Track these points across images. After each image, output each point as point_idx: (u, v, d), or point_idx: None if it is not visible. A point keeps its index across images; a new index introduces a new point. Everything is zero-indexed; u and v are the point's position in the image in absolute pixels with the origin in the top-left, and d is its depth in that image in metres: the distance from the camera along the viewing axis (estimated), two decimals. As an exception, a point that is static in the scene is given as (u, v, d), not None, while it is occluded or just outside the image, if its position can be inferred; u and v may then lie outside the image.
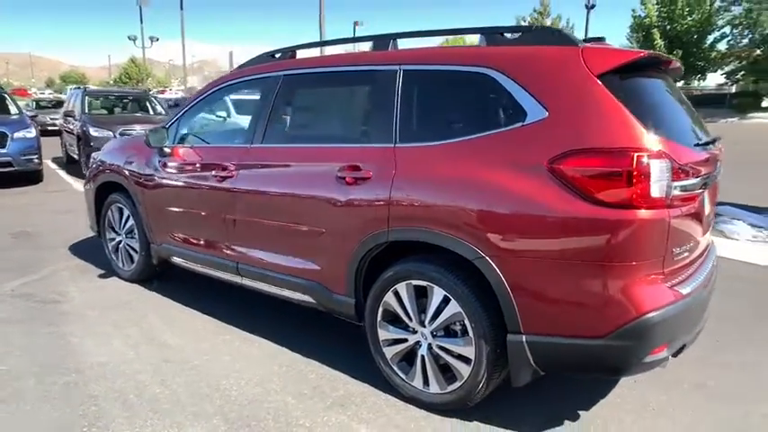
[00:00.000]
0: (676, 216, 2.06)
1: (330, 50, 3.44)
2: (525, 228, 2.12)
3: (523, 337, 2.18)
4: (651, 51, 2.37)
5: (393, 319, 2.62)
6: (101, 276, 4.40)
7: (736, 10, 27.05)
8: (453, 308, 2.36)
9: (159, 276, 4.21)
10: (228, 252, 3.33)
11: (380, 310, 2.63)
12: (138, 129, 9.16)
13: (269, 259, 3.11)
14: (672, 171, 2.00)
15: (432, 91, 2.54)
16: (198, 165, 3.47)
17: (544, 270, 2.10)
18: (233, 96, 4.66)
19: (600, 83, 2.09)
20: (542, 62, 2.23)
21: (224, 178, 3.24)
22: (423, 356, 2.51)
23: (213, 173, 3.31)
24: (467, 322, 2.32)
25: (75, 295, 3.98)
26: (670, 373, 2.66)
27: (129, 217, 4.15)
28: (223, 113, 5.73)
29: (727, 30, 28.21)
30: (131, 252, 4.21)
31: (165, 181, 3.70)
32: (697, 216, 2.30)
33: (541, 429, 2.37)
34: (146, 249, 4.04)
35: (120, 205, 4.20)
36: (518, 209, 2.13)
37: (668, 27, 29.17)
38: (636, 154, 1.95)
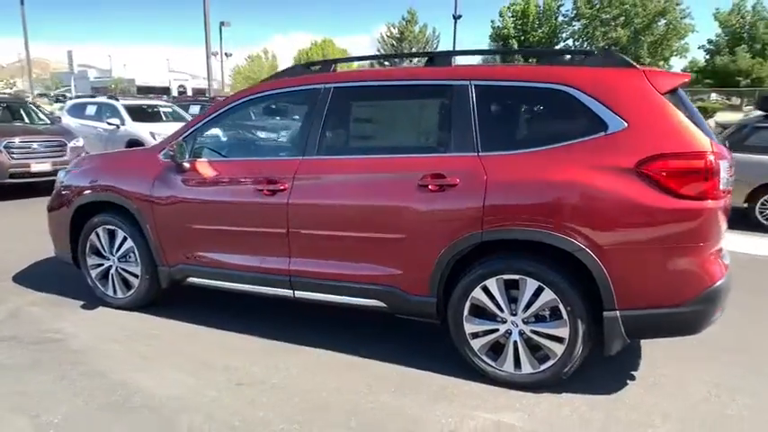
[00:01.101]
0: (725, 204, 2.62)
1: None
2: (619, 220, 2.52)
3: (617, 313, 2.58)
4: (690, 72, 2.93)
5: (479, 312, 2.86)
6: (84, 308, 3.94)
7: (577, 25, 31.44)
8: (547, 296, 2.68)
9: (154, 301, 3.90)
10: (279, 266, 3.27)
11: (467, 305, 2.86)
12: (18, 141, 8.08)
13: (333, 269, 3.14)
14: (729, 167, 2.55)
15: (509, 104, 2.84)
16: (235, 179, 3.34)
17: (636, 254, 2.52)
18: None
19: (665, 99, 2.57)
20: (615, 81, 2.66)
21: (274, 192, 3.18)
22: (515, 342, 2.80)
23: (258, 187, 3.23)
24: (561, 307, 2.67)
25: (73, 331, 3.53)
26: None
27: (124, 240, 3.79)
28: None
29: (570, 42, 32.64)
30: (128, 277, 3.85)
31: (188, 198, 3.47)
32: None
33: (620, 387, 2.81)
34: (151, 272, 3.73)
35: (111, 227, 3.81)
36: (612, 205, 2.52)
37: (522, 38, 32.85)
38: (709, 155, 2.46)
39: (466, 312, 2.87)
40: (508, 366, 2.84)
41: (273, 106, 4.44)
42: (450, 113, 2.89)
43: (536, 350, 2.79)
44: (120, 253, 3.83)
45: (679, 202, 2.46)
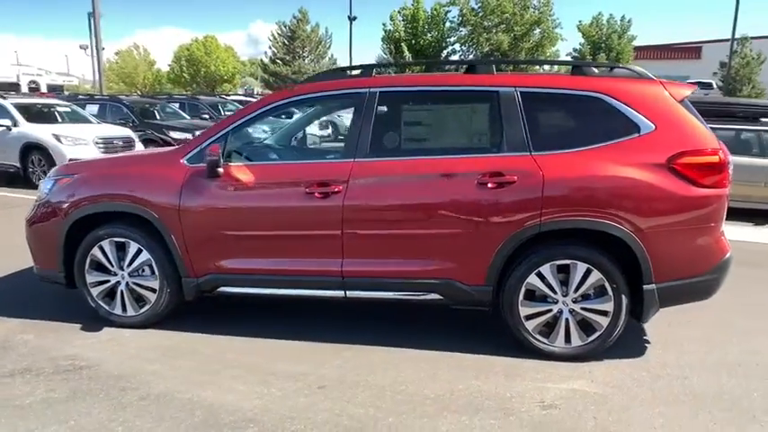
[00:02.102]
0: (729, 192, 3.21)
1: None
2: (656, 207, 2.98)
3: (654, 286, 3.05)
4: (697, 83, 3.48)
5: (532, 296, 3.18)
6: (86, 330, 3.58)
7: (464, 31, 33.47)
8: (595, 276, 3.08)
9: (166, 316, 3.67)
10: (330, 268, 3.29)
11: (522, 290, 3.16)
12: None
13: (389, 267, 3.25)
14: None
15: (553, 109, 3.18)
16: (280, 183, 3.29)
17: (669, 235, 3.00)
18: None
19: (681, 105, 3.09)
20: (641, 90, 3.11)
21: (328, 194, 3.20)
22: (566, 320, 3.16)
23: (308, 190, 3.22)
24: (606, 285, 3.07)
25: (95, 356, 3.22)
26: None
27: (138, 252, 3.51)
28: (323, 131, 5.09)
29: (457, 46, 34.68)
30: (143, 293, 3.57)
31: (226, 204, 3.34)
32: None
33: (644, 350, 3.31)
34: (174, 285, 3.51)
35: (121, 239, 3.51)
36: (650, 194, 2.97)
37: (413, 41, 34.18)
38: (721, 152, 3.01)
39: (521, 297, 3.17)
40: (559, 342, 3.19)
41: (311, 108, 4.34)
42: (500, 117, 3.16)
43: (583, 325, 3.18)
44: (132, 267, 3.54)
45: (700, 190, 2.99)
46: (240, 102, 17.33)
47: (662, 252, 3.02)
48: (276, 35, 39.51)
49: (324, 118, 12.88)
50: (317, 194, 3.22)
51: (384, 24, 35.12)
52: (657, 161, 2.99)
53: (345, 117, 20.62)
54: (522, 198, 3.04)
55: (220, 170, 3.31)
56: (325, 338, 3.45)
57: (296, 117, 5.51)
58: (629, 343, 3.41)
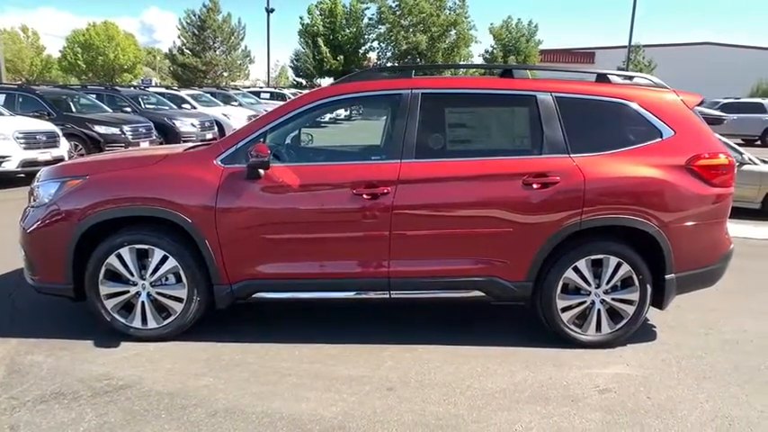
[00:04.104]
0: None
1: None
2: (678, 204, 3.32)
3: (674, 275, 3.39)
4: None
5: (568, 289, 3.40)
6: (101, 346, 3.26)
7: (382, 28, 33.89)
8: (624, 269, 3.36)
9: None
10: (376, 269, 3.29)
11: (560, 284, 3.37)
12: None
13: (435, 267, 3.31)
14: (733, 164, 3.57)
15: (586, 114, 3.40)
16: (326, 184, 3.22)
17: (687, 229, 3.36)
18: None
19: (693, 113, 3.47)
20: (660, 99, 3.44)
21: (376, 195, 3.19)
22: (598, 310, 3.42)
23: (356, 191, 3.18)
24: (634, 276, 3.37)
25: (130, 373, 2.95)
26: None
27: (163, 259, 3.25)
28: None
29: (376, 44, 35.04)
30: (168, 302, 3.31)
31: (268, 206, 3.20)
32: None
33: (656, 334, 3.67)
34: (204, 294, 3.30)
35: (143, 246, 3.23)
36: (674, 192, 3.30)
37: (331, 36, 34.05)
38: (728, 155, 3.41)
39: (558, 291, 3.38)
40: (591, 330, 3.45)
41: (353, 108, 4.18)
42: (539, 120, 3.34)
43: (612, 313, 3.46)
44: (156, 276, 3.27)
45: (712, 189, 3.37)
46: (161, 94, 16.24)
47: (681, 245, 3.37)
48: (185, 24, 37.41)
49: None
50: (365, 196, 3.19)
51: (301, 18, 34.69)
52: (678, 163, 3.33)
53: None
54: (564, 197, 3.24)
55: (262, 171, 3.17)
56: (363, 340, 3.44)
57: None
58: (639, 328, 3.76)
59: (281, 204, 3.23)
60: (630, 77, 3.62)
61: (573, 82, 3.54)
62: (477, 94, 3.46)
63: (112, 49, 44.12)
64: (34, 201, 3.44)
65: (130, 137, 11.28)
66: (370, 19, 34.17)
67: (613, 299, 3.42)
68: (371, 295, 3.37)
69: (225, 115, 16.14)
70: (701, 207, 3.38)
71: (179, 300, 3.31)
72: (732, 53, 41.02)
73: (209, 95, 17.99)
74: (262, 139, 3.27)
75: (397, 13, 32.43)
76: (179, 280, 3.29)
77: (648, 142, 3.37)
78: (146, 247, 3.24)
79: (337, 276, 3.31)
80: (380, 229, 3.23)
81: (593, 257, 3.35)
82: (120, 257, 3.25)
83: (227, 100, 18.67)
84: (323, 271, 3.31)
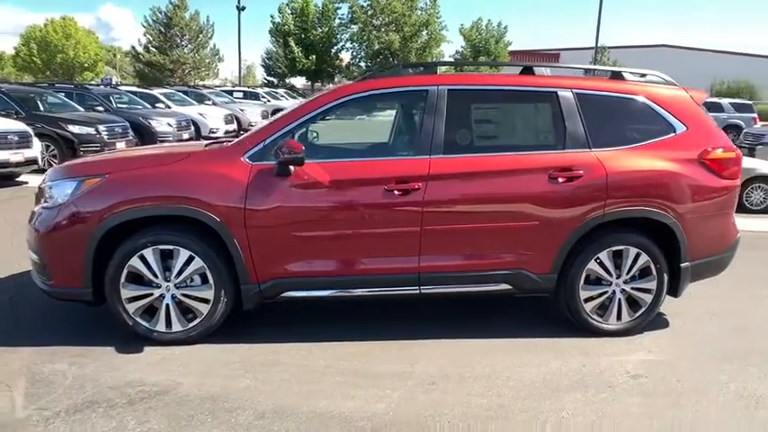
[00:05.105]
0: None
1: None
2: (692, 196, 3.44)
3: (689, 264, 3.52)
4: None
5: (590, 280, 3.49)
6: (123, 351, 3.15)
7: (354, 28, 33.77)
8: (643, 259, 3.47)
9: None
10: (407, 265, 3.29)
11: (583, 275, 3.45)
12: None
13: (464, 261, 3.35)
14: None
15: (605, 109, 3.49)
16: (357, 180, 3.20)
17: (700, 220, 3.49)
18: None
19: (702, 108, 3.61)
20: (672, 95, 3.57)
21: (407, 191, 3.19)
22: (618, 300, 3.52)
23: (387, 187, 3.18)
24: (652, 266, 3.49)
25: (163, 378, 2.86)
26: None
27: (189, 260, 3.16)
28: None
29: (348, 44, 34.88)
30: (194, 304, 3.23)
31: (299, 204, 3.16)
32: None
33: (667, 323, 3.80)
34: (231, 294, 3.23)
35: (168, 247, 3.14)
36: (689, 185, 3.42)
37: (302, 36, 33.70)
38: (736, 149, 3.57)
39: (582, 282, 3.46)
40: (612, 319, 3.54)
41: (379, 104, 4.14)
42: (561, 116, 3.41)
43: (630, 302, 3.57)
44: (181, 277, 3.19)
45: (722, 181, 3.52)
46: (133, 92, 15.73)
47: (695, 234, 3.50)
48: (150, 21, 36.39)
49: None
50: (396, 192, 3.20)
51: (272, 16, 34.23)
52: (691, 157, 3.46)
53: (248, 111, 19.81)
54: (588, 191, 3.32)
55: (291, 168, 3.13)
56: (388, 336, 3.44)
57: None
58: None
59: (311, 201, 3.20)
60: (643, 74, 3.74)
61: (591, 78, 3.63)
62: (500, 90, 3.50)
63: (72, 46, 42.45)
64: (45, 201, 3.29)
65: (106, 137, 10.88)
66: (341, 18, 34.10)
67: (633, 288, 3.52)
68: (401, 291, 3.37)
69: (201, 114, 15.78)
70: (713, 198, 3.52)
71: (205, 301, 3.23)
72: (687, 55, 42.80)
73: (182, 94, 17.56)
74: (290, 136, 3.23)
75: (369, 12, 32.43)
76: (205, 281, 3.22)
77: (663, 137, 3.49)
78: (170, 247, 3.15)
79: (367, 273, 3.30)
80: (411, 224, 3.24)
81: (613, 249, 3.45)
82: (143, 259, 3.15)
83: (200, 99, 18.25)
84: (353, 268, 3.30)
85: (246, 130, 19.13)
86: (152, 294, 3.21)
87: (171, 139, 13.01)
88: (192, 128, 14.32)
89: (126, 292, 3.18)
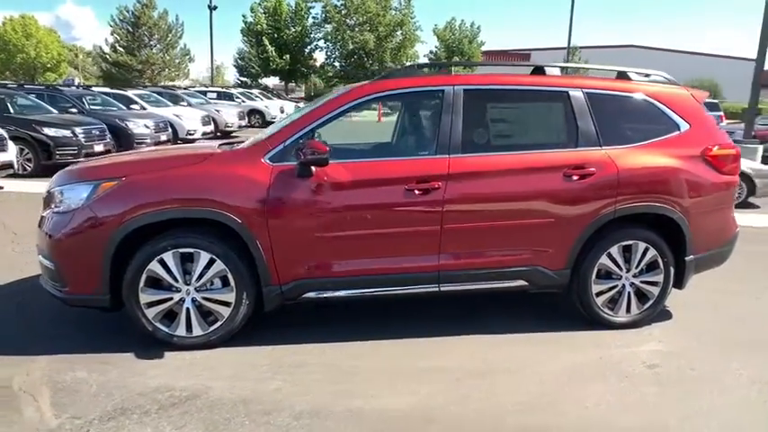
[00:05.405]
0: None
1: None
2: (696, 191, 3.59)
3: (693, 257, 3.67)
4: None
5: (601, 274, 3.59)
6: (144, 357, 3.10)
7: (328, 27, 33.59)
8: (651, 253, 3.60)
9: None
10: (427, 263, 3.33)
11: (595, 270, 3.56)
12: None
13: (483, 258, 3.40)
14: (735, 153, 3.89)
15: (613, 108, 3.60)
16: (378, 180, 3.22)
17: (704, 215, 3.64)
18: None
19: (703, 107, 3.77)
20: (675, 95, 3.71)
21: (428, 190, 3.23)
22: (628, 293, 3.64)
23: (408, 186, 3.21)
24: (659, 260, 3.62)
25: (191, 383, 2.82)
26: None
27: (210, 262, 3.13)
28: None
29: (322, 43, 34.67)
30: (214, 307, 3.19)
31: (321, 204, 3.16)
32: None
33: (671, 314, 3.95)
34: (252, 296, 3.21)
35: (189, 250, 3.10)
36: (694, 181, 3.57)
37: (275, 35, 33.34)
38: (735, 146, 3.74)
39: (593, 276, 3.57)
40: (622, 312, 3.66)
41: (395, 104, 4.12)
42: (573, 115, 3.51)
43: (639, 295, 3.69)
44: (202, 280, 3.15)
45: (723, 177, 3.68)
46: (107, 93, 15.29)
47: (698, 228, 3.65)
48: (117, 21, 35.44)
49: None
50: (416, 191, 3.23)
51: (244, 16, 33.76)
52: (695, 154, 3.61)
53: (224, 112, 19.49)
54: (600, 188, 3.43)
55: (313, 169, 3.13)
56: (408, 334, 3.48)
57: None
58: (655, 308, 4.03)
59: (333, 201, 3.20)
60: (647, 74, 3.88)
61: (599, 78, 3.74)
62: (514, 90, 3.57)
63: (33, 45, 40.96)
64: (56, 206, 3.20)
65: (83, 140, 10.56)
66: (315, 18, 33.92)
67: (641, 281, 3.65)
68: (421, 289, 3.41)
69: (177, 116, 15.44)
70: (715, 193, 3.68)
71: (226, 304, 3.20)
72: (655, 55, 44.14)
73: (156, 95, 17.16)
74: (311, 136, 3.23)
75: (343, 12, 32.36)
76: (226, 284, 3.18)
77: (668, 135, 3.63)
78: (191, 250, 3.11)
79: (388, 272, 3.33)
80: (431, 223, 3.28)
81: (623, 244, 3.56)
82: (162, 263, 3.10)
83: (175, 100, 17.87)
84: (373, 267, 3.31)
85: (223, 132, 19.07)
86: (172, 299, 3.16)
87: (148, 141, 12.72)
88: (170, 129, 14.03)
89: (145, 297, 3.12)
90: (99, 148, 10.89)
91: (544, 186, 3.39)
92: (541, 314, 3.90)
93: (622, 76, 3.82)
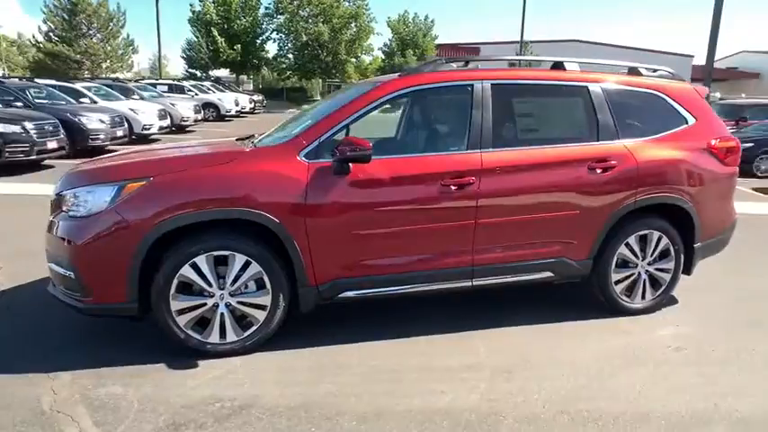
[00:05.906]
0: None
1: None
2: (705, 182, 3.78)
3: (699, 244, 3.88)
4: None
5: (619, 263, 3.73)
6: (177, 368, 2.94)
7: (281, 18, 32.80)
8: (664, 242, 3.77)
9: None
10: (461, 258, 3.34)
11: (614, 260, 3.69)
12: None
13: (514, 252, 3.45)
14: (734, 145, 4.13)
15: (628, 103, 3.72)
16: (414, 176, 3.18)
17: (709, 203, 3.84)
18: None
19: (706, 102, 3.97)
20: (682, 90, 3.88)
21: (463, 186, 3.23)
22: (644, 280, 3.80)
23: (443, 182, 3.20)
24: (671, 248, 3.80)
25: (239, 392, 2.71)
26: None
27: (245, 265, 2.99)
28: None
29: (275, 34, 33.83)
30: (250, 311, 3.07)
31: (359, 201, 3.09)
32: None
33: (675, 299, 4.15)
34: (289, 298, 3.11)
35: (223, 253, 2.95)
36: (700, 171, 3.76)
37: (226, 26, 32.22)
38: (736, 139, 3.96)
39: (613, 266, 3.70)
40: (638, 299, 3.82)
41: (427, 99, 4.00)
42: (593, 109, 3.60)
43: (652, 282, 3.86)
44: (237, 283, 3.01)
45: (725, 167, 3.90)
46: (53, 86, 14.29)
47: (705, 216, 3.85)
48: (52, 7, 33.15)
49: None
50: (452, 186, 3.23)
51: (192, 5, 32.41)
52: (702, 146, 3.80)
53: (179, 106, 18.69)
54: (622, 180, 3.55)
55: (350, 166, 3.06)
56: (439, 330, 3.48)
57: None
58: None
59: (371, 199, 3.14)
60: (655, 70, 4.03)
61: (612, 74, 3.85)
62: (538, 84, 3.63)
63: (-47, 34, 37.68)
64: (72, 210, 2.96)
65: (35, 136, 9.84)
66: (267, 8, 33.03)
67: (655, 269, 3.82)
68: (455, 285, 3.41)
69: (132, 110, 14.66)
70: (719, 184, 3.90)
71: (262, 308, 3.09)
72: (594, 49, 45.97)
73: (107, 88, 16.22)
74: (346, 132, 3.15)
75: (295, 3, 31.67)
76: (261, 286, 3.07)
77: (677, 129, 3.80)
78: (225, 253, 2.97)
79: (424, 269, 3.31)
80: (466, 218, 3.29)
81: (640, 233, 3.71)
82: (195, 267, 2.94)
83: (126, 93, 16.95)
84: (410, 264, 3.29)
85: (178, 126, 18.30)
86: (205, 304, 3.01)
87: (103, 137, 12.05)
88: (126, 124, 13.32)
89: (176, 304, 2.95)
90: (53, 144, 10.21)
91: (571, 179, 3.47)
92: (551, 304, 3.97)
93: (633, 71, 3.96)
